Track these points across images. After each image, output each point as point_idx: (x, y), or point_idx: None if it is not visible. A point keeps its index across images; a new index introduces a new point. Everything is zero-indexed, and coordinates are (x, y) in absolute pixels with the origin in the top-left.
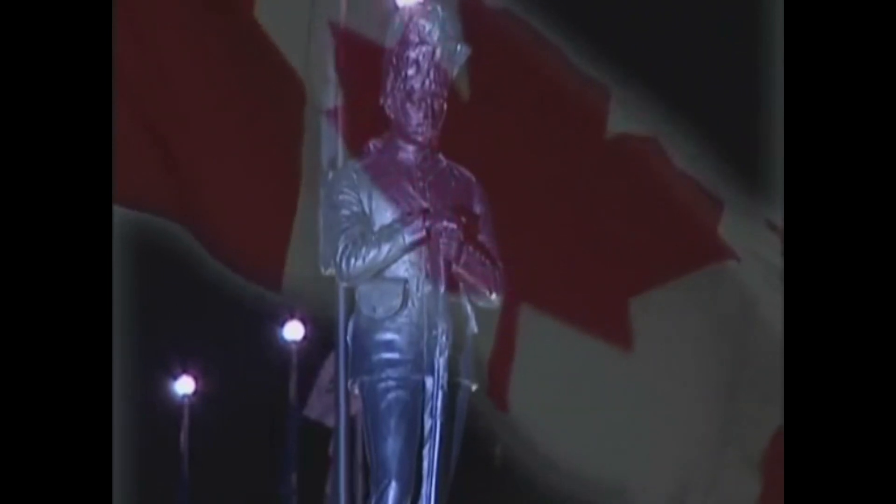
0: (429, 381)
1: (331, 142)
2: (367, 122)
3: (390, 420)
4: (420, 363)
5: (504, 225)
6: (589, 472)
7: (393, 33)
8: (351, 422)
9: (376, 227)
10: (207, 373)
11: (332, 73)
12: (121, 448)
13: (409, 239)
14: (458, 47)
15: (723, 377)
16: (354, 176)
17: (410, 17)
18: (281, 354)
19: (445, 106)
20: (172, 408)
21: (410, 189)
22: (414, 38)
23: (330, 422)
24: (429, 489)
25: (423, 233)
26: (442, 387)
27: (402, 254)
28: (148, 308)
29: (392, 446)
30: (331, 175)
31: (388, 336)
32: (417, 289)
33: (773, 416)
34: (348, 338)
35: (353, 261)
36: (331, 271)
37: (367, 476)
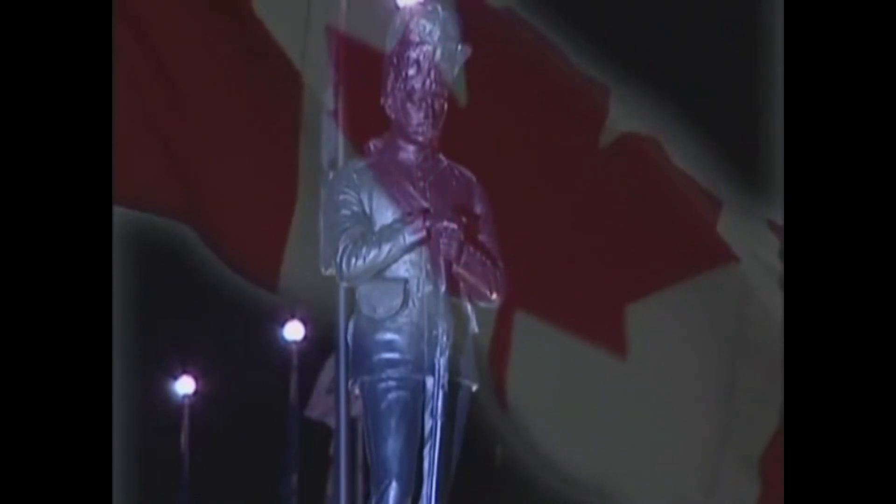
0: (429, 382)
1: (331, 142)
2: (367, 123)
3: (391, 420)
4: (420, 363)
5: (500, 228)
6: (588, 474)
7: (393, 33)
8: (352, 422)
9: (377, 227)
10: (207, 373)
11: (331, 74)
12: (121, 448)
13: (409, 239)
14: (459, 47)
15: (721, 378)
16: (355, 176)
17: (411, 17)
18: (281, 355)
19: (446, 106)
20: (172, 408)
21: (411, 189)
22: (414, 38)
23: (331, 422)
24: (429, 489)
25: (424, 233)
26: (442, 387)
27: (402, 254)
28: (148, 308)
29: (392, 446)
30: (331, 175)
31: (389, 336)
32: (418, 289)
33: (772, 418)
34: (349, 338)
35: (353, 261)
36: (331, 271)
37: (368, 476)
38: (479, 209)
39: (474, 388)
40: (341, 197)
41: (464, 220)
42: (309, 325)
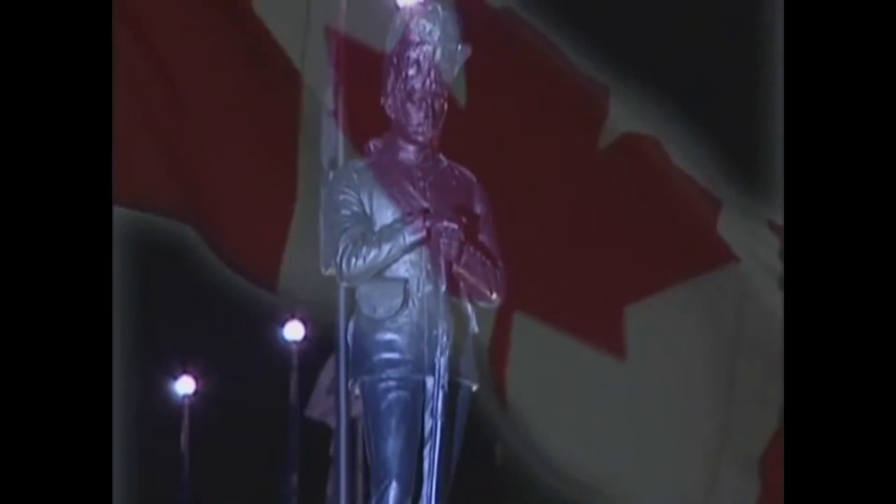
0: (429, 381)
1: (332, 141)
2: (367, 123)
3: (391, 420)
4: (421, 363)
5: (499, 229)
6: (587, 475)
7: (393, 33)
8: (352, 422)
9: (377, 227)
10: (208, 373)
11: (331, 75)
12: (121, 448)
13: (409, 239)
14: (459, 47)
15: (721, 379)
16: (355, 176)
17: (411, 17)
18: (281, 355)
19: (446, 106)
20: (172, 408)
21: (411, 189)
22: (414, 37)
23: (331, 422)
24: (429, 489)
25: (424, 233)
26: (443, 387)
27: (402, 254)
28: (148, 308)
29: (392, 446)
30: (331, 175)
31: (389, 336)
32: (418, 289)
33: (771, 418)
34: (349, 338)
35: (353, 261)
36: (331, 271)
37: (368, 476)
38: (479, 209)
39: (474, 388)
40: (341, 197)
41: (464, 220)
42: (309, 325)
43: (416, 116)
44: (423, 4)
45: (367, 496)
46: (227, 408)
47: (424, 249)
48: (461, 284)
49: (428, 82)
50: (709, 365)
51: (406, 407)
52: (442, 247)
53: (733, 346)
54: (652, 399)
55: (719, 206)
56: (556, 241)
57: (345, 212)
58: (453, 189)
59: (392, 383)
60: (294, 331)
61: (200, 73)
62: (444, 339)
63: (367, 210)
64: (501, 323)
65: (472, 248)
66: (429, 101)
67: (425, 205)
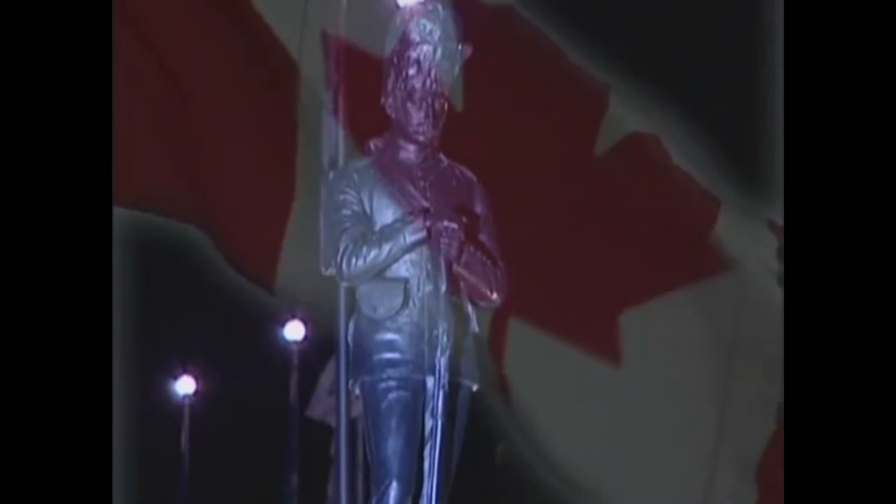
0: (430, 381)
1: (332, 140)
2: (367, 122)
3: (391, 420)
4: (421, 363)
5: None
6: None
7: (393, 33)
8: (352, 422)
9: (377, 227)
10: (208, 373)
11: (330, 75)
12: (121, 448)
13: (409, 239)
14: (459, 47)
15: (717, 384)
16: (355, 176)
17: (411, 17)
18: (282, 354)
19: (446, 105)
20: (172, 408)
21: (411, 189)
22: (415, 37)
23: (332, 422)
24: (430, 489)
25: (424, 232)
26: (443, 387)
27: (402, 253)
28: (148, 308)
29: (393, 446)
30: (331, 175)
31: (389, 336)
32: (418, 289)
33: (768, 422)
34: (349, 338)
35: (353, 260)
36: (331, 271)
37: (368, 476)
38: (479, 209)
39: (475, 388)
40: (342, 197)
41: (464, 219)
42: (309, 325)
43: (417, 116)
44: (424, 4)
45: (367, 496)
46: (227, 408)
47: (425, 249)
48: (461, 284)
49: (428, 82)
50: (705, 370)
51: (406, 407)
52: (442, 247)
53: (730, 351)
54: (648, 404)
55: (719, 206)
56: (552, 245)
57: (345, 211)
58: (454, 189)
59: (392, 383)
60: (294, 331)
61: (200, 72)
62: (445, 339)
63: (368, 210)
64: (497, 327)
65: (472, 248)
66: (429, 100)
67: (426, 204)
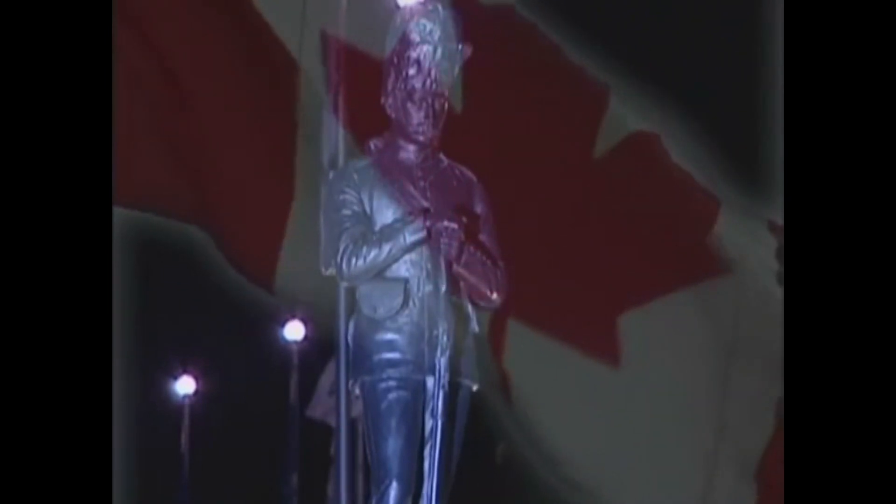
0: (430, 381)
1: (332, 139)
2: (367, 122)
3: (391, 420)
4: (421, 363)
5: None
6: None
7: (394, 33)
8: (352, 422)
9: (377, 227)
10: (208, 373)
11: (330, 75)
12: (121, 448)
13: (409, 239)
14: (459, 47)
15: (716, 386)
16: (355, 176)
17: (411, 17)
18: (282, 354)
19: (447, 105)
20: (172, 408)
21: (411, 189)
22: (415, 37)
23: (332, 422)
24: (430, 489)
25: (424, 232)
26: (443, 387)
27: (402, 253)
28: (148, 308)
29: (393, 446)
30: (331, 175)
31: (389, 336)
32: (418, 289)
33: (767, 424)
34: (349, 338)
35: (353, 260)
36: (331, 271)
37: (368, 476)
38: (479, 209)
39: (475, 388)
40: (342, 197)
41: (464, 219)
42: (309, 325)
43: (417, 116)
44: (424, 4)
45: (367, 496)
46: (227, 408)
47: (425, 249)
48: (461, 284)
49: (428, 82)
50: (704, 372)
51: (406, 407)
52: (442, 247)
53: (729, 352)
54: (647, 404)
55: (719, 206)
56: (551, 247)
57: (345, 211)
58: (454, 189)
59: (392, 383)
60: (294, 331)
61: (200, 72)
62: (445, 339)
63: (368, 210)
64: (496, 328)
65: (472, 248)
66: (429, 100)
67: (426, 204)
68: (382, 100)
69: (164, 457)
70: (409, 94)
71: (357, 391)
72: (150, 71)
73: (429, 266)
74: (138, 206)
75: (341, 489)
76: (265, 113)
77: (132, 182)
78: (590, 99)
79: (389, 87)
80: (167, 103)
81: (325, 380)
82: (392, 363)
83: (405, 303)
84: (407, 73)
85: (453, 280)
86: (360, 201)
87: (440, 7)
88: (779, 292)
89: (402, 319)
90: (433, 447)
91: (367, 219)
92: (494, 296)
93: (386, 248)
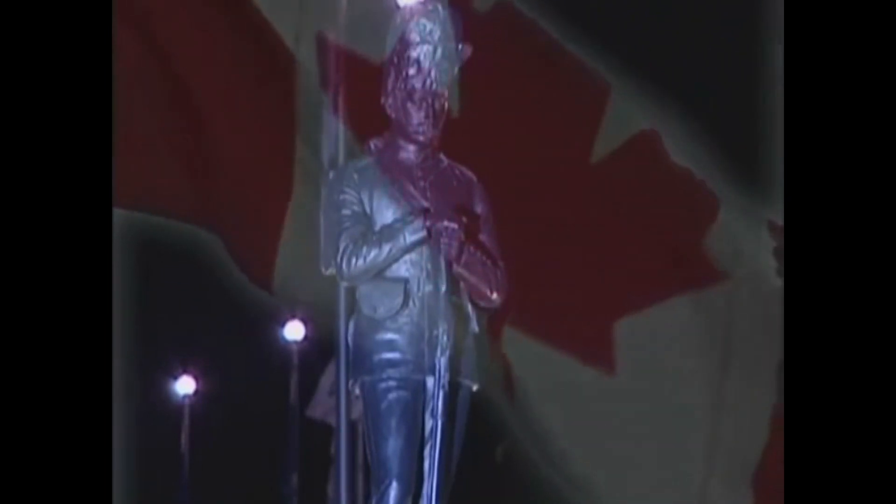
0: (430, 381)
1: (332, 141)
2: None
3: (391, 420)
4: (421, 363)
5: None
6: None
7: (394, 33)
8: (352, 422)
9: (377, 227)
10: (208, 373)
11: (330, 75)
12: (121, 448)
13: (409, 238)
14: (459, 46)
15: (711, 392)
16: (355, 176)
17: (411, 17)
18: (282, 354)
19: (447, 105)
20: (172, 408)
21: (411, 189)
22: (415, 37)
23: (332, 422)
24: (430, 489)
25: (424, 232)
26: (443, 387)
27: (402, 253)
28: (148, 308)
29: (393, 446)
30: (331, 174)
31: (389, 336)
32: (418, 288)
33: (763, 432)
34: (349, 338)
35: (353, 260)
36: (331, 271)
37: (368, 476)
38: (479, 209)
39: (475, 388)
40: (342, 196)
41: (464, 219)
42: (309, 325)
43: (417, 116)
44: (424, 4)
45: (367, 496)
46: (227, 408)
47: (425, 249)
48: (461, 284)
49: (428, 82)
50: (699, 378)
51: (406, 407)
52: (442, 247)
53: (725, 359)
54: (641, 413)
55: (718, 206)
56: (547, 252)
57: (345, 211)
58: (454, 189)
59: (392, 383)
60: (294, 331)
61: (200, 72)
62: (445, 338)
63: (368, 210)
64: (491, 335)
65: (472, 248)
66: (429, 100)
67: (426, 204)
68: (382, 100)
69: (164, 457)
70: (409, 94)
71: (357, 391)
72: (150, 71)
73: (429, 266)
74: (138, 206)
75: (341, 489)
76: (265, 113)
77: (132, 182)
78: (590, 99)
79: (389, 87)
80: (167, 103)
81: (326, 380)
82: (392, 363)
83: (405, 303)
84: (407, 73)
85: (453, 280)
86: (360, 201)
87: (440, 7)
88: (778, 293)
89: (402, 319)
90: (433, 447)
91: (367, 219)
92: (494, 296)
93: (386, 248)
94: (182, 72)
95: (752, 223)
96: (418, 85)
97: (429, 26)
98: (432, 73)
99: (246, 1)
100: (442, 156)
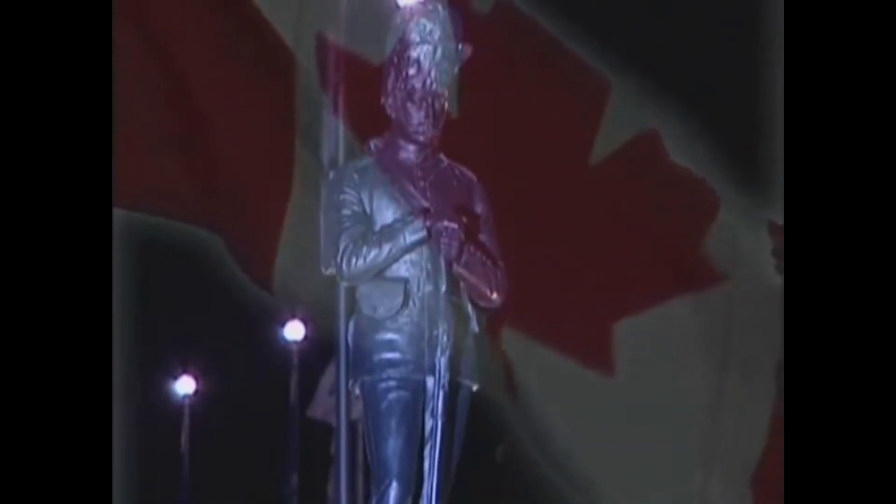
0: (430, 381)
1: (332, 141)
2: (367, 122)
3: (391, 420)
4: (421, 363)
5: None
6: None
7: (394, 32)
8: (352, 422)
9: (377, 227)
10: (208, 373)
11: (330, 75)
12: (121, 448)
13: (409, 238)
14: (459, 46)
15: (710, 395)
16: (355, 176)
17: (411, 17)
18: (282, 354)
19: (447, 105)
20: (172, 408)
21: (411, 189)
22: (415, 37)
23: (333, 422)
24: (430, 489)
25: (424, 232)
26: (443, 387)
27: (402, 253)
28: (148, 308)
29: (393, 446)
30: (331, 175)
31: (389, 336)
32: (418, 288)
33: (762, 433)
34: (349, 338)
35: (353, 260)
36: (331, 271)
37: (368, 476)
38: (479, 209)
39: (475, 388)
40: (342, 196)
41: (464, 219)
42: (309, 325)
43: (417, 116)
44: (424, 4)
45: (367, 496)
46: (227, 408)
47: (425, 249)
48: (461, 284)
49: (428, 82)
50: (699, 379)
51: (406, 407)
52: (442, 247)
53: (724, 359)
54: (641, 413)
55: (718, 207)
56: (546, 253)
57: (345, 211)
58: (454, 189)
59: (392, 383)
60: (294, 331)
61: (200, 72)
62: (445, 338)
63: (368, 210)
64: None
65: (472, 248)
66: (429, 100)
67: (426, 204)
68: (382, 100)
69: (164, 457)
70: (409, 94)
71: (357, 391)
72: (150, 71)
73: (429, 266)
74: (138, 206)
75: (341, 489)
76: (265, 112)
77: (132, 182)
78: (590, 99)
79: (389, 87)
80: (167, 103)
81: (326, 380)
82: (392, 363)
83: (405, 303)
84: (407, 73)
85: (453, 280)
86: (360, 201)
87: (440, 7)
88: (778, 293)
89: (402, 319)
90: (433, 447)
91: (367, 219)
92: (494, 296)
93: (386, 248)
94: (182, 72)
95: (752, 223)
96: (418, 85)
97: (429, 26)
98: (432, 73)
99: (246, 1)
100: (442, 156)
